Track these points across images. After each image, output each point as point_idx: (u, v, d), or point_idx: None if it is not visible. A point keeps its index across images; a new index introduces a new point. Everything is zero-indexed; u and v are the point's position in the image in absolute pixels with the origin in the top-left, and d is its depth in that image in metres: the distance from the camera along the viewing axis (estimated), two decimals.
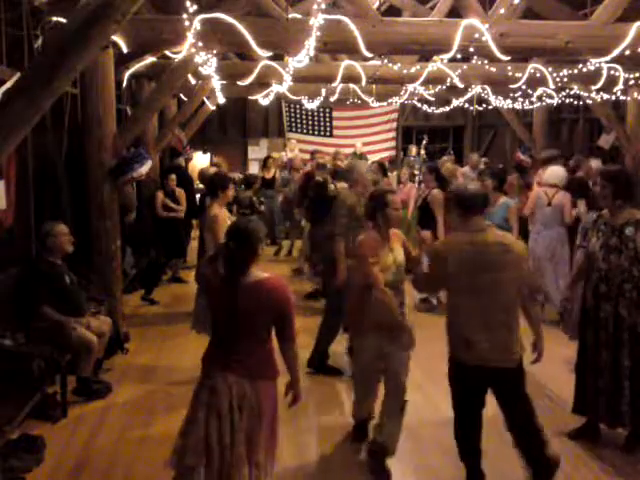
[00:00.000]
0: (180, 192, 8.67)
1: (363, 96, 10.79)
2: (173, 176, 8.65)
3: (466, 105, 11.21)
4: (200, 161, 13.82)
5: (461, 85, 8.90)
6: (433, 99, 11.46)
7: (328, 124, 15.02)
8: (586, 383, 4.32)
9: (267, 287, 3.10)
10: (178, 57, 6.70)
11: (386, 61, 7.82)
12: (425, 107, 12.63)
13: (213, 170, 8.67)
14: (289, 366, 3.25)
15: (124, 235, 7.88)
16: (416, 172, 11.21)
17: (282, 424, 3.42)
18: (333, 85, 9.51)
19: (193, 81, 8.81)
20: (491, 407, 3.66)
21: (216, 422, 3.04)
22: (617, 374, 4.14)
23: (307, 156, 12.73)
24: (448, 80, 8.67)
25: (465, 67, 8.28)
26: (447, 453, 4.18)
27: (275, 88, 9.67)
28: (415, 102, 12.39)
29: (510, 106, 11.03)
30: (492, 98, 10.50)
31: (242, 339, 3.15)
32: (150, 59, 8.34)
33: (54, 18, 5.65)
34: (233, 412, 3.05)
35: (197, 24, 5.26)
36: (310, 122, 14.97)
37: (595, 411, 4.26)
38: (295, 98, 11.52)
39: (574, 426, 4.43)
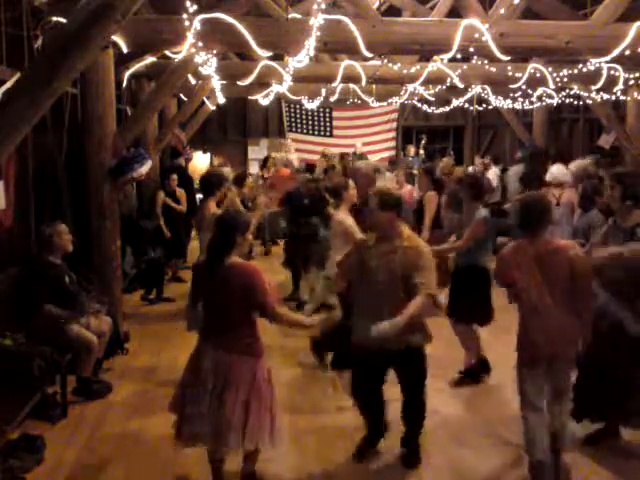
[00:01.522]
0: (180, 192, 8.67)
1: (363, 96, 10.79)
2: (174, 176, 8.65)
3: (466, 105, 11.22)
4: (200, 161, 13.83)
5: (461, 85, 8.90)
6: (433, 99, 11.46)
7: (328, 124, 15.02)
8: (593, 386, 4.19)
9: (238, 270, 3.38)
10: (178, 57, 6.70)
11: (386, 61, 7.82)
12: (425, 107, 12.63)
13: (227, 170, 8.55)
14: (288, 324, 3.64)
15: (133, 236, 7.89)
16: (415, 172, 11.22)
17: None
18: (333, 85, 9.51)
19: (193, 81, 8.81)
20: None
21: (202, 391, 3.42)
22: (631, 374, 4.03)
23: (305, 156, 12.83)
24: (448, 80, 8.67)
25: (465, 67, 8.28)
26: (449, 452, 4.19)
27: (275, 88, 9.67)
28: (415, 102, 12.39)
29: (510, 106, 11.03)
30: (492, 98, 10.50)
31: (224, 318, 3.42)
32: (150, 59, 8.34)
33: (54, 18, 5.64)
34: (212, 383, 3.40)
35: (197, 24, 5.26)
36: (310, 122, 14.97)
37: (613, 412, 4.14)
38: (295, 98, 11.52)
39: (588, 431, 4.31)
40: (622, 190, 4.10)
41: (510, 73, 8.06)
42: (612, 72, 7.70)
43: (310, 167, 13.13)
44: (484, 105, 11.34)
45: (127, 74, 8.52)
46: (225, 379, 3.40)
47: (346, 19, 5.60)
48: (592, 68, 7.09)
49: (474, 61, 6.74)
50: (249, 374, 3.43)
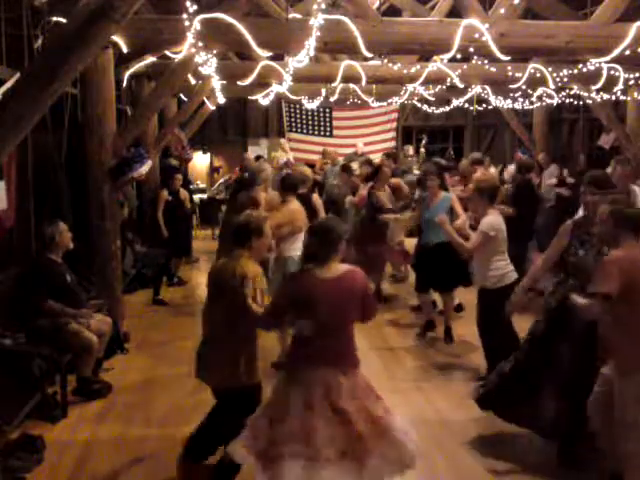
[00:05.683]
0: (184, 193, 8.67)
1: (363, 96, 10.79)
2: (179, 176, 8.67)
3: (466, 105, 11.21)
4: (200, 161, 13.83)
5: (461, 85, 8.90)
6: (433, 99, 11.46)
7: (328, 124, 15.01)
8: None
9: (348, 278, 3.23)
10: (178, 57, 6.70)
11: (386, 61, 7.82)
12: (425, 107, 12.62)
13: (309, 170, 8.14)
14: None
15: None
16: (415, 172, 11.21)
17: None
18: (333, 85, 9.51)
19: (193, 81, 8.81)
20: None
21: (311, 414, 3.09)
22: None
23: (305, 156, 12.82)
24: (448, 80, 8.67)
25: (465, 67, 8.28)
26: (448, 454, 4.19)
27: (275, 88, 9.66)
28: (415, 102, 12.39)
29: (510, 106, 11.03)
30: (492, 98, 10.50)
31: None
32: (150, 59, 8.34)
33: (54, 18, 5.65)
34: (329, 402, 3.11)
35: (197, 24, 5.27)
36: (310, 122, 14.96)
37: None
38: (295, 98, 11.52)
39: None
40: None
41: (510, 73, 8.05)
42: (612, 72, 7.70)
43: (310, 167, 13.11)
44: (484, 105, 11.34)
45: (127, 74, 8.51)
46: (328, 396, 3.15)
47: (346, 19, 5.61)
48: (592, 68, 7.09)
49: (474, 61, 6.73)
50: (357, 385, 3.26)
